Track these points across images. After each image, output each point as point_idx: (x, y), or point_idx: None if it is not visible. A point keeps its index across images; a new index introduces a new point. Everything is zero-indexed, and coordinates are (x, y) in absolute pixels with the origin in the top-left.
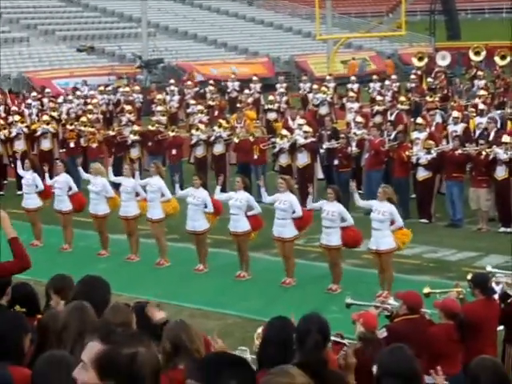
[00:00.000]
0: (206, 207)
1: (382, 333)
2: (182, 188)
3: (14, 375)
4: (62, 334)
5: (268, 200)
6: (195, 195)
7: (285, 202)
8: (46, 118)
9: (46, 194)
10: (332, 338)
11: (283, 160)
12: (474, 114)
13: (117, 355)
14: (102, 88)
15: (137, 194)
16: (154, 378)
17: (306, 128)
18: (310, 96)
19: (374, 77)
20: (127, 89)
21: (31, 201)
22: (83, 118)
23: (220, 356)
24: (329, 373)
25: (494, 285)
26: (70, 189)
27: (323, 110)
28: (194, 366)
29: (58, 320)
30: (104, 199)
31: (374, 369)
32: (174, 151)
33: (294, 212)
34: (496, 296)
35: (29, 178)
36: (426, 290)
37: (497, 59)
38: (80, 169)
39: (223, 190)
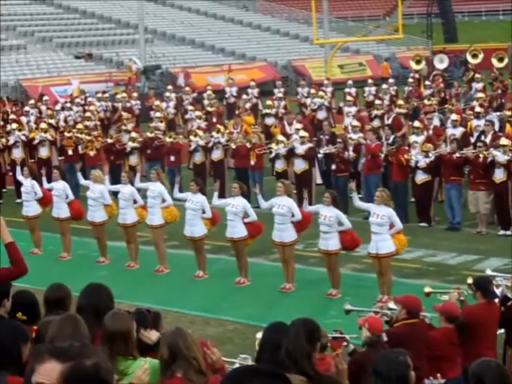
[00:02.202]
0: (203, 213)
1: (382, 338)
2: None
3: None
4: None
5: (264, 206)
6: (193, 200)
7: (283, 207)
8: (43, 125)
9: (46, 200)
10: (330, 335)
11: (279, 165)
12: (472, 117)
13: (83, 368)
14: (100, 95)
15: (134, 202)
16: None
17: (303, 133)
18: (308, 101)
19: (369, 81)
20: (124, 95)
21: (31, 208)
22: (80, 125)
23: (253, 367)
24: (320, 376)
25: (494, 288)
26: (67, 196)
27: (321, 115)
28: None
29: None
30: (101, 206)
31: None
32: (172, 157)
33: (292, 215)
34: (496, 300)
35: (28, 185)
36: (427, 290)
37: (494, 61)
38: (79, 174)
39: (222, 196)
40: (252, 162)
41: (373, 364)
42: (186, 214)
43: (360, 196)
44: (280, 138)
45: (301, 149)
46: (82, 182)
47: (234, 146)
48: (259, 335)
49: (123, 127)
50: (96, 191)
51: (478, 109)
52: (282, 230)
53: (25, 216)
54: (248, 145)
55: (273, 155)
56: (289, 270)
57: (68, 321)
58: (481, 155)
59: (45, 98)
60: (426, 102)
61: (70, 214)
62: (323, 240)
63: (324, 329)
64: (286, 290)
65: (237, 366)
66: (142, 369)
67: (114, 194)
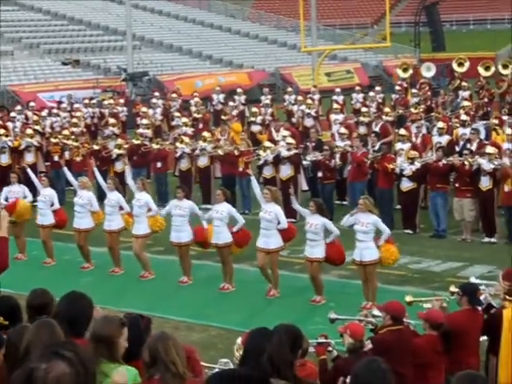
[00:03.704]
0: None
1: (367, 345)
2: (166, 201)
3: None
4: (29, 351)
5: (257, 189)
6: (180, 206)
7: (270, 213)
8: (29, 131)
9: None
10: (315, 340)
11: (267, 172)
12: (458, 125)
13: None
14: (86, 101)
15: (120, 208)
16: None
17: (290, 140)
18: (295, 108)
19: (357, 88)
20: (111, 101)
21: None
22: (66, 132)
23: (237, 371)
24: (302, 382)
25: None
26: (53, 204)
27: (308, 122)
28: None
29: (23, 336)
30: (88, 213)
31: (348, 379)
32: (158, 164)
33: (278, 223)
34: (479, 308)
35: (18, 190)
36: (409, 299)
37: (481, 70)
38: (65, 169)
39: (207, 202)
40: (240, 169)
41: (353, 375)
42: (172, 220)
43: (345, 203)
44: (267, 144)
45: (286, 153)
46: (69, 176)
47: (221, 153)
48: (239, 340)
49: (109, 130)
50: (84, 198)
51: (464, 117)
52: (268, 236)
53: (11, 221)
54: (236, 152)
55: (261, 162)
56: (273, 276)
57: (44, 326)
58: (466, 163)
59: (31, 103)
60: (412, 110)
61: (53, 222)
62: (309, 247)
63: (304, 334)
64: (270, 296)
65: (217, 370)
66: (118, 374)
67: (101, 199)
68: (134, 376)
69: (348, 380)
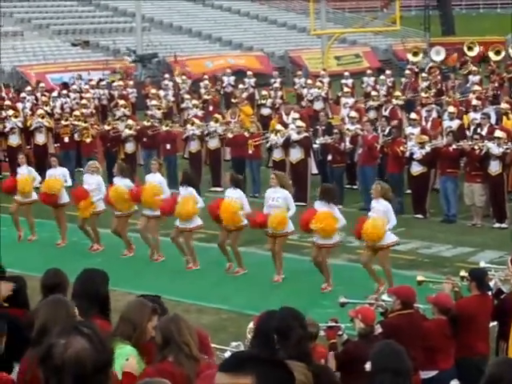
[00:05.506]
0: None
1: (377, 329)
2: (175, 183)
3: None
4: (46, 328)
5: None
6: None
7: (278, 199)
8: (40, 112)
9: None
10: (325, 324)
11: (277, 155)
12: (464, 109)
13: None
14: (93, 82)
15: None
16: None
17: (300, 123)
18: (305, 91)
19: (368, 71)
20: (121, 83)
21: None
22: (76, 113)
23: (254, 353)
24: (316, 367)
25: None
26: (66, 181)
27: (318, 106)
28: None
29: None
30: (98, 197)
31: (368, 365)
32: (168, 146)
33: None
34: (489, 293)
35: (24, 172)
36: (420, 278)
37: (491, 54)
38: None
39: (217, 185)
40: (250, 151)
41: (374, 361)
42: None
43: (355, 187)
44: (279, 127)
45: (296, 137)
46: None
47: (231, 136)
48: (251, 325)
49: (120, 111)
50: (92, 184)
51: (474, 101)
52: None
53: (18, 201)
54: (246, 134)
55: (267, 145)
56: (278, 260)
57: (58, 304)
58: (476, 147)
59: (41, 84)
60: (423, 94)
61: (68, 201)
62: None
63: (311, 318)
64: (275, 282)
65: (228, 353)
66: (133, 357)
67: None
68: (138, 360)
69: (368, 365)
